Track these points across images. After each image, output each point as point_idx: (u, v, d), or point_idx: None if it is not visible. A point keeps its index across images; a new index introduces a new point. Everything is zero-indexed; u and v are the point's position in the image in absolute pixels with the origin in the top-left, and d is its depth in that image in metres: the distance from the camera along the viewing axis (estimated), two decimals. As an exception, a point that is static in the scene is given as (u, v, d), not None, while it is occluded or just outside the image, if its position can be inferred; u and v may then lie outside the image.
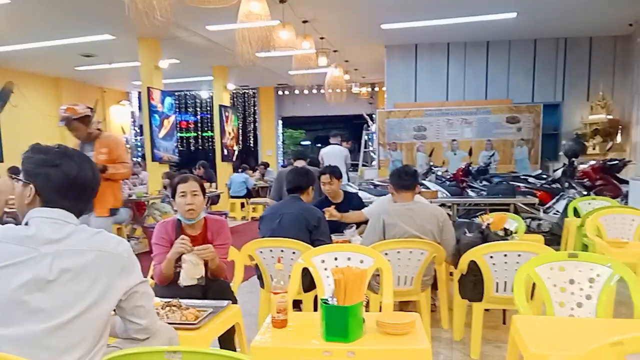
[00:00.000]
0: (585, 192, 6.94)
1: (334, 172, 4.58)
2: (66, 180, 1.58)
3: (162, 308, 2.29)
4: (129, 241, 4.93)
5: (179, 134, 15.62)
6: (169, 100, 10.15)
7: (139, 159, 14.79)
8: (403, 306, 3.75)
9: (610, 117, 9.54)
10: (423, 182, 7.61)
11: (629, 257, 3.62)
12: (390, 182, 3.72)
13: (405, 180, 3.60)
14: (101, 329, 1.55)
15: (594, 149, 9.46)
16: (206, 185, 9.61)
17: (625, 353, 1.32)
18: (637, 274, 3.08)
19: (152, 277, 2.87)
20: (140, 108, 14.01)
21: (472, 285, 3.29)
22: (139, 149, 15.35)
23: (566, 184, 7.30)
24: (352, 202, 4.69)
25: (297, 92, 14.97)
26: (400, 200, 3.62)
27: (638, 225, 4.61)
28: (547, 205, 7.11)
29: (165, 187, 8.51)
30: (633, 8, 7.85)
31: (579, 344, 1.75)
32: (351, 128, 16.84)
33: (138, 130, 15.88)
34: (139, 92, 13.64)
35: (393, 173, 3.73)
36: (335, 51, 10.22)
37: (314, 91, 13.55)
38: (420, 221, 3.47)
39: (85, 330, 1.50)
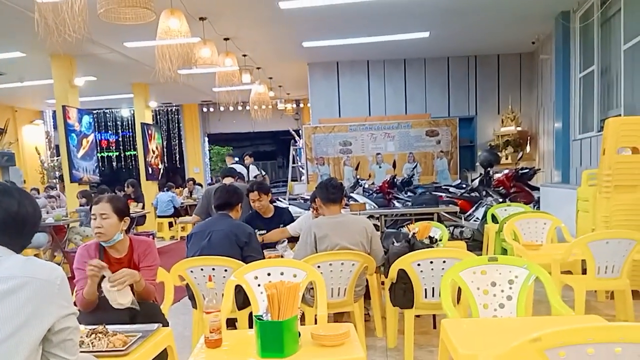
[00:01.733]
0: (501, 200, 7.35)
1: (262, 188, 4.57)
2: (6, 216, 1.57)
3: (86, 336, 2.18)
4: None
5: (99, 154, 14.95)
6: (87, 118, 9.72)
7: (56, 181, 14.01)
8: (337, 317, 3.78)
9: (519, 129, 10.18)
10: (351, 195, 7.75)
11: (543, 258, 3.87)
12: (318, 195, 3.76)
13: (332, 193, 3.65)
14: None
15: (506, 158, 10.04)
16: (133, 205, 9.29)
17: (544, 348, 1.40)
18: (551, 274, 3.31)
19: (74, 304, 2.72)
20: (55, 127, 13.29)
21: (402, 293, 3.38)
22: (57, 170, 14.52)
23: (484, 192, 7.69)
24: (282, 216, 4.70)
25: (222, 108, 14.80)
26: (329, 213, 3.67)
27: (550, 228, 4.95)
28: (468, 213, 7.45)
29: (81, 206, 8.12)
30: (535, 27, 8.48)
31: (503, 342, 1.85)
32: (279, 144, 16.91)
33: (55, 151, 15.03)
34: (54, 111, 12.95)
35: (319, 186, 3.76)
36: (258, 68, 10.24)
37: (240, 108, 13.46)
38: (350, 233, 3.54)
39: (7, 358, 1.40)
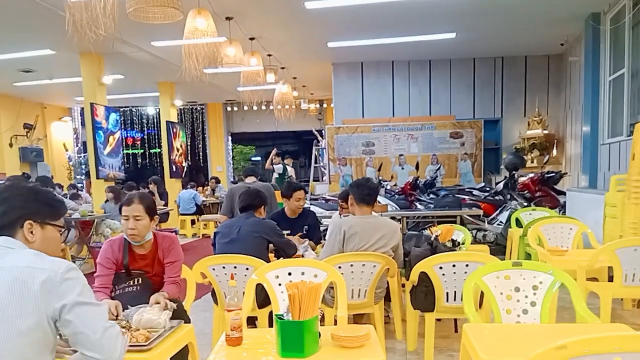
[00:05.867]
0: (526, 203, 7.23)
1: (305, 189, 4.67)
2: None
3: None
4: (74, 262, 4.75)
5: (125, 151, 15.19)
6: (113, 116, 9.88)
7: (82, 177, 14.31)
8: (357, 319, 3.77)
9: (546, 132, 9.99)
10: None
11: (569, 264, 3.80)
12: (352, 194, 3.71)
13: (367, 194, 3.65)
14: (28, 355, 1.46)
15: (532, 162, 9.87)
16: (157, 201, 9.42)
17: (569, 356, 1.37)
18: (576, 281, 3.24)
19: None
20: (83, 124, 13.55)
21: (424, 296, 3.36)
22: (83, 166, 14.82)
23: (508, 196, 7.59)
24: (308, 217, 4.76)
25: (246, 108, 14.89)
26: (360, 213, 3.66)
27: (575, 234, 4.85)
28: (491, 217, 7.36)
29: (107, 201, 8.28)
30: (564, 29, 8.32)
31: (526, 349, 1.82)
32: (301, 144, 16.92)
33: (82, 147, 15.33)
34: (82, 108, 13.20)
35: (356, 185, 3.73)
36: (283, 68, 10.27)
37: (263, 107, 13.53)
38: (379, 234, 3.53)
39: (4, 349, 1.43)
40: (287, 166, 11.03)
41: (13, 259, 1.53)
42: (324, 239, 4.26)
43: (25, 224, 1.65)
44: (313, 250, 4.15)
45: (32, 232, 1.67)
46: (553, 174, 7.70)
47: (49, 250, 1.67)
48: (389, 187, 8.61)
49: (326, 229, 4.60)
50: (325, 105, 15.54)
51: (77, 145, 15.57)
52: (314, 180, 12.18)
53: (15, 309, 1.45)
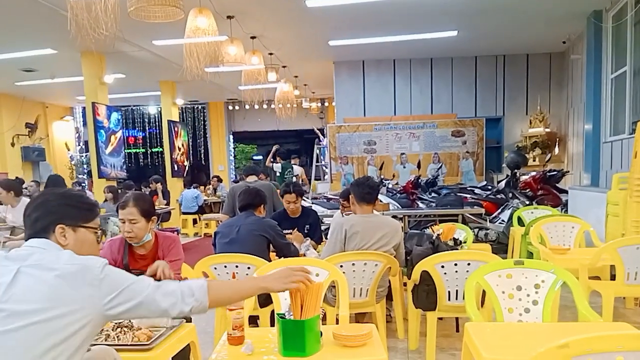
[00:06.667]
0: (527, 202, 7.22)
1: (299, 191, 4.63)
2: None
3: (112, 329, 2.22)
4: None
5: (126, 150, 15.20)
6: (115, 115, 9.89)
7: (84, 177, 14.33)
8: (359, 318, 3.77)
9: (548, 130, 9.97)
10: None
11: (571, 262, 3.79)
12: (353, 192, 3.72)
13: (368, 193, 3.65)
14: (49, 348, 1.46)
15: (534, 160, 9.85)
16: (158, 201, 9.38)
17: (571, 355, 1.37)
18: (578, 279, 3.24)
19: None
20: (85, 124, 13.57)
21: (425, 295, 3.36)
22: (85, 165, 14.83)
23: (510, 194, 7.58)
24: (310, 217, 4.74)
25: (247, 107, 14.88)
26: (361, 212, 3.66)
27: (578, 232, 4.85)
28: (493, 215, 7.35)
29: (105, 200, 8.29)
30: (566, 27, 8.30)
31: (528, 348, 1.81)
32: (303, 142, 16.89)
33: (83, 147, 15.34)
34: (84, 108, 13.21)
35: (356, 184, 3.73)
36: (284, 67, 10.26)
37: (265, 106, 13.52)
38: (380, 233, 3.53)
39: (28, 339, 1.43)
40: (293, 166, 11.03)
41: (49, 258, 1.56)
42: (326, 238, 4.25)
43: (56, 228, 1.69)
44: (315, 249, 4.15)
45: (64, 236, 1.70)
46: (555, 172, 7.69)
47: (83, 252, 1.69)
48: (390, 186, 8.60)
49: (328, 228, 4.59)
50: (326, 104, 15.53)
51: (78, 145, 15.58)
52: (315, 179, 12.17)
53: (52, 306, 1.47)
